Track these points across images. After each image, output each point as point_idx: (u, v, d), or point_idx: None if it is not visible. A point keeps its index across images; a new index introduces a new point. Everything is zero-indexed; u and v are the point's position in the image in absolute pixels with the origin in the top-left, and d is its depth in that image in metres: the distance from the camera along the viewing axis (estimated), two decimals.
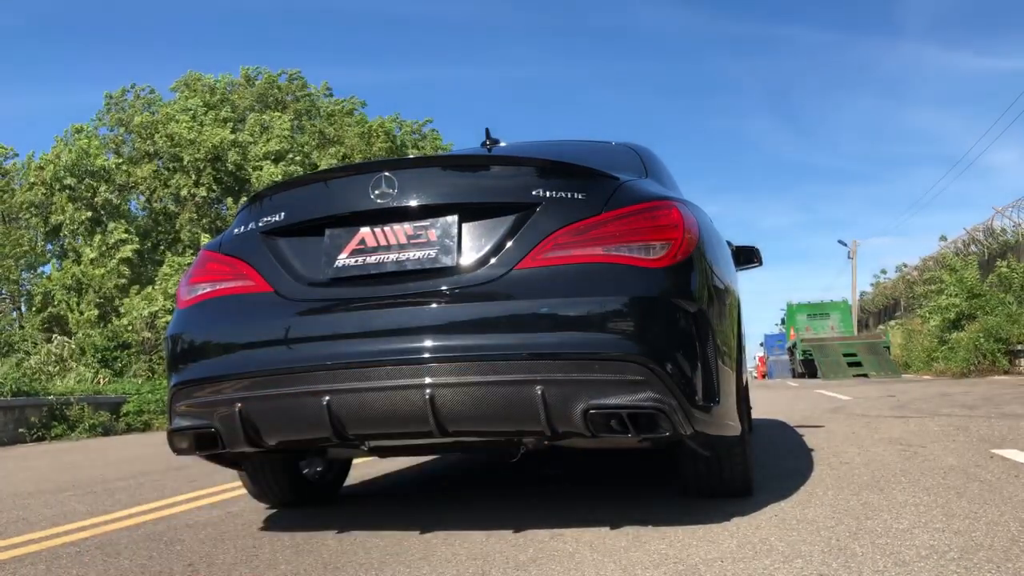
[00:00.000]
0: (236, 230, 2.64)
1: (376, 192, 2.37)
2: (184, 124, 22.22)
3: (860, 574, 1.81)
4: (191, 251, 21.53)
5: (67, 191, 21.04)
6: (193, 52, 54.43)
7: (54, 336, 17.00)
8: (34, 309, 21.98)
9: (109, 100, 24.81)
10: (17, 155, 24.41)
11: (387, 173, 2.39)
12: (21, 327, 19.14)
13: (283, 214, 2.52)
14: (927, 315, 21.82)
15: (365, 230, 2.40)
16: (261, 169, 21.48)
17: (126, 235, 21.03)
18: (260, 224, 2.55)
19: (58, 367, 14.58)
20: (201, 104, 23.51)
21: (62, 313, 20.65)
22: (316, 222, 2.47)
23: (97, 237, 20.93)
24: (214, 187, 22.23)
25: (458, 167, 2.52)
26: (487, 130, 3.53)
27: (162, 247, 22.56)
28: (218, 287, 2.56)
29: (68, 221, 21.15)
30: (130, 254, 20.72)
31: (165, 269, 20.40)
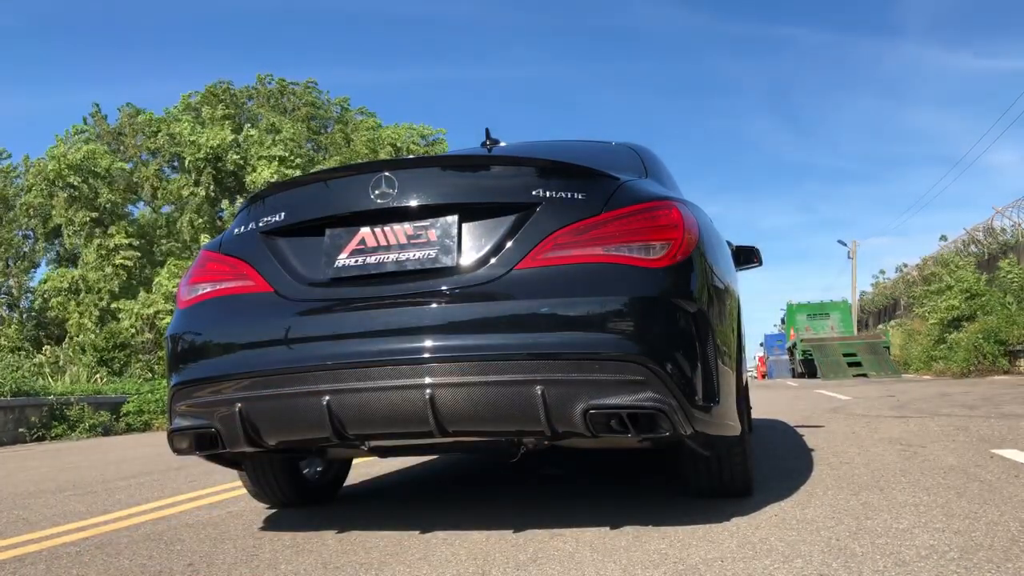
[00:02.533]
0: (236, 230, 2.64)
1: (376, 192, 2.37)
2: (186, 124, 22.21)
3: (860, 574, 1.81)
4: (190, 253, 21.54)
5: (68, 191, 20.98)
6: (191, 53, 54.46)
7: (45, 349, 17.03)
8: (26, 314, 22.02)
9: (87, 120, 24.85)
10: (11, 155, 24.44)
11: (387, 173, 2.39)
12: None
13: (283, 214, 2.52)
14: (927, 315, 21.83)
15: (365, 230, 2.40)
16: (256, 171, 21.42)
17: (126, 239, 21.03)
18: (260, 224, 2.55)
19: (55, 369, 14.60)
20: (206, 101, 23.53)
21: (59, 317, 20.68)
22: (316, 222, 2.47)
23: (96, 240, 20.93)
24: (213, 187, 22.21)
25: (458, 167, 2.52)
26: (487, 130, 3.53)
27: (163, 248, 22.54)
28: (218, 287, 2.56)
29: (68, 223, 21.12)
30: (129, 261, 20.72)
31: (164, 273, 20.47)
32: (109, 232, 21.16)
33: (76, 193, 21.16)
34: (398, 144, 25.29)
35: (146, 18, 50.42)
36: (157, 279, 20.52)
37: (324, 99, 27.15)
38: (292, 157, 22.30)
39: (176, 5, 53.62)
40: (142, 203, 24.16)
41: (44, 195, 21.24)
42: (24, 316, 22.60)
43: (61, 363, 15.51)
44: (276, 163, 21.61)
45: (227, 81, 25.08)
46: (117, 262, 20.66)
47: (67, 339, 19.27)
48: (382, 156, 23.89)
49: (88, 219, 21.11)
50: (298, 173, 20.86)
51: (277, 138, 22.44)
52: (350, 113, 27.07)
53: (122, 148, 24.37)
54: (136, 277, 21.36)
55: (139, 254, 21.26)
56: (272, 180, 20.09)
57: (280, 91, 26.18)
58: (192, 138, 21.91)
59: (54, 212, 21.26)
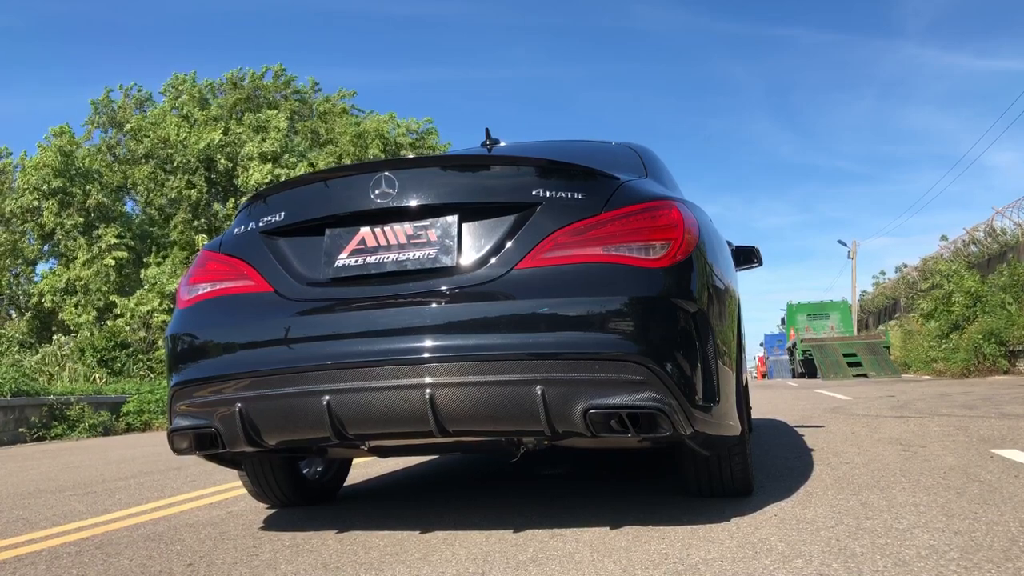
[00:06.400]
0: (236, 230, 2.64)
1: (376, 192, 2.37)
2: (173, 125, 22.11)
3: (860, 574, 1.81)
4: (184, 253, 21.52)
5: (58, 196, 20.91)
6: (189, 54, 54.66)
7: (56, 337, 17.06)
8: (26, 313, 22.03)
9: (95, 106, 24.67)
10: (11, 153, 24.39)
11: (387, 173, 2.39)
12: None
13: (283, 214, 2.52)
14: (926, 319, 21.87)
15: (365, 230, 2.40)
16: (248, 171, 21.30)
17: (117, 239, 20.99)
18: (260, 224, 2.55)
19: (57, 367, 14.62)
20: (193, 106, 23.35)
21: (61, 317, 20.68)
22: (316, 222, 2.47)
23: (82, 240, 20.90)
24: (205, 188, 22.13)
25: (458, 167, 2.51)
26: (487, 130, 3.53)
27: (156, 249, 22.49)
28: (218, 287, 2.56)
29: (59, 226, 21.09)
30: (114, 261, 20.70)
31: (153, 270, 20.50)
32: (99, 232, 21.14)
33: (66, 198, 21.06)
34: (386, 136, 25.00)
35: (146, 18, 50.50)
36: (146, 272, 20.54)
37: (300, 87, 26.70)
38: (285, 155, 22.10)
39: (175, 7, 53.69)
40: (134, 204, 24.12)
41: (35, 199, 21.13)
42: (28, 314, 22.61)
43: (65, 355, 15.52)
44: (269, 164, 21.47)
45: (192, 73, 24.67)
46: (107, 261, 20.65)
47: (72, 334, 19.28)
48: (372, 150, 23.72)
49: (78, 221, 21.05)
50: (291, 171, 20.81)
51: (266, 136, 22.23)
52: (332, 101, 26.50)
53: (120, 144, 24.30)
54: (129, 277, 21.32)
55: (127, 253, 21.22)
56: (265, 182, 20.02)
57: (255, 87, 25.79)
58: (180, 138, 21.83)
59: (44, 217, 21.21)
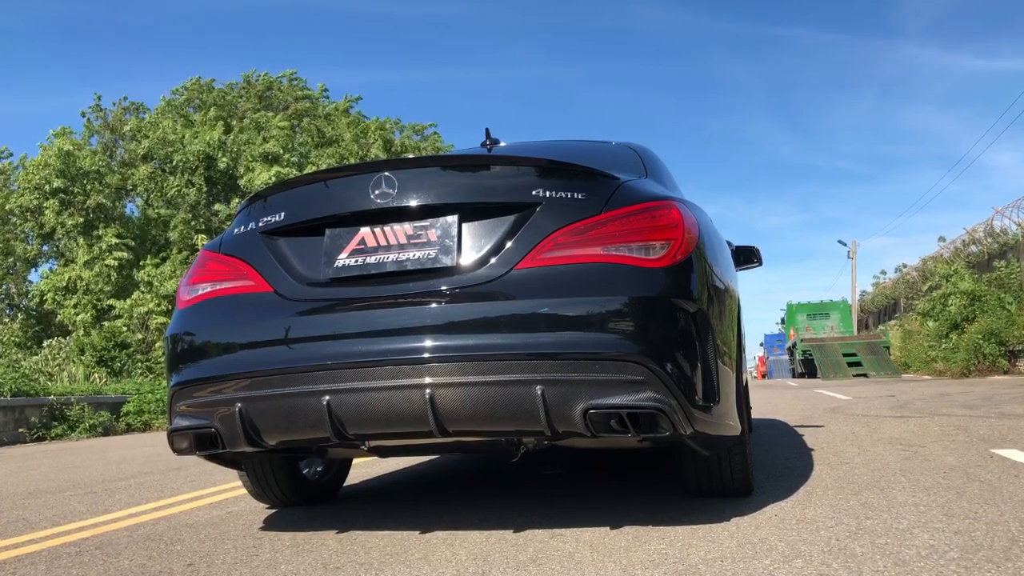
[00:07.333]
0: (236, 230, 2.64)
1: (376, 192, 2.37)
2: (170, 124, 22.13)
3: (860, 574, 1.81)
4: (184, 254, 21.53)
5: (59, 196, 20.92)
6: (190, 54, 54.63)
7: (48, 342, 17.08)
8: (25, 314, 22.04)
9: (85, 115, 24.73)
10: (12, 154, 24.41)
11: (387, 173, 2.39)
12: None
13: (283, 214, 2.52)
14: (924, 319, 21.88)
15: (365, 230, 2.40)
16: (253, 171, 21.34)
17: (117, 240, 21.00)
18: (260, 224, 2.55)
19: (57, 368, 14.62)
20: (191, 105, 23.41)
21: (60, 317, 20.70)
22: (316, 222, 2.47)
23: (82, 240, 20.90)
24: (205, 188, 22.15)
25: (458, 167, 2.51)
26: (487, 130, 3.53)
27: (155, 249, 22.49)
28: (218, 287, 2.56)
29: (59, 226, 21.10)
30: (115, 262, 20.72)
31: (148, 271, 20.54)
32: (98, 233, 21.14)
33: (67, 197, 21.05)
34: (390, 139, 25.17)
35: (148, 19, 50.52)
36: (139, 273, 20.57)
37: (309, 91, 26.87)
38: (286, 154, 22.13)
39: (176, 6, 53.71)
40: (134, 203, 24.16)
41: (36, 199, 21.12)
42: (25, 314, 22.63)
43: (63, 356, 15.53)
44: (273, 166, 21.50)
45: (209, 80, 24.87)
46: (107, 262, 20.67)
47: (70, 335, 19.29)
48: (374, 150, 23.81)
49: (79, 222, 21.05)
50: (294, 172, 20.83)
51: (268, 135, 22.28)
52: (338, 107, 26.71)
53: (117, 146, 24.32)
54: (128, 278, 21.33)
55: (127, 255, 21.22)
56: (270, 182, 20.03)
57: (267, 87, 25.97)
58: (178, 136, 21.85)
59: (44, 217, 21.20)
